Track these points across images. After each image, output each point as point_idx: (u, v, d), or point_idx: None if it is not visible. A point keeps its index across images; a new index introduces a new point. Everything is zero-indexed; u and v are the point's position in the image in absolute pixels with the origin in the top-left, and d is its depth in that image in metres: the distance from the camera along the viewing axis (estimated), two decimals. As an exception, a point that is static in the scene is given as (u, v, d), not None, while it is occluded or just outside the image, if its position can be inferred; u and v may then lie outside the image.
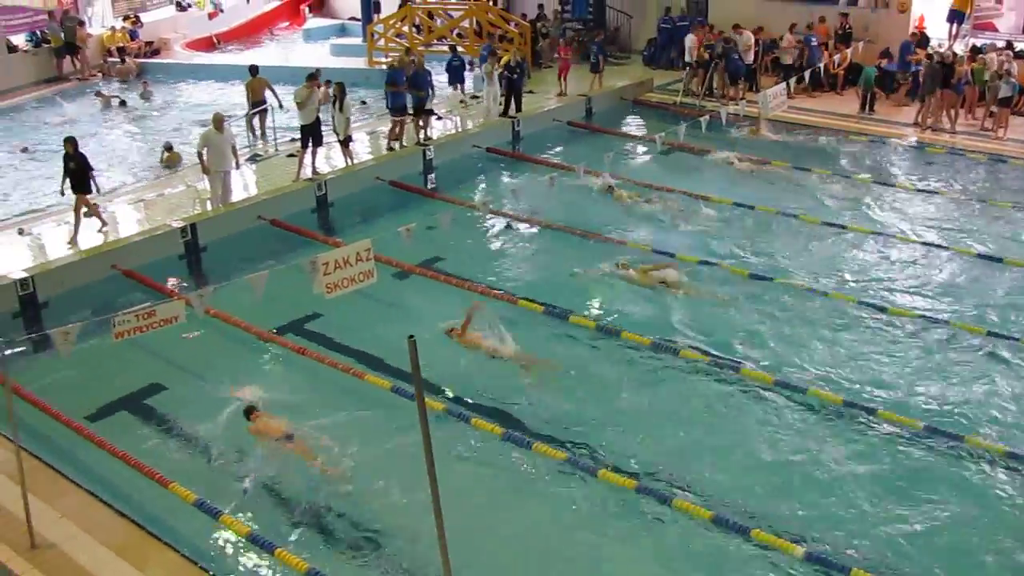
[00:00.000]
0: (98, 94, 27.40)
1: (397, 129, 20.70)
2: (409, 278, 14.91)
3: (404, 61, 21.37)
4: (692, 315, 13.48)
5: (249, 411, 10.89)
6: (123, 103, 26.78)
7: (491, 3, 30.91)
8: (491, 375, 12.02)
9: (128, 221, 16.99)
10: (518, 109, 22.63)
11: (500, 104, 22.71)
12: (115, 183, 19.95)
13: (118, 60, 30.24)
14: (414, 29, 29.10)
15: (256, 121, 22.23)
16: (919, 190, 19.04)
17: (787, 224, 17.14)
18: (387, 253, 14.31)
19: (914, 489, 9.95)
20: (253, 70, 22.39)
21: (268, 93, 22.11)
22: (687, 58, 25.63)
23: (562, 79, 24.63)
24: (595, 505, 9.69)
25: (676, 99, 25.19)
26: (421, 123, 20.96)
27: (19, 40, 29.43)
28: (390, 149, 20.55)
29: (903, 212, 17.90)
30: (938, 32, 25.98)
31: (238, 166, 17.86)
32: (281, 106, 22.07)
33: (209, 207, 17.13)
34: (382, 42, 29.00)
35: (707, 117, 18.31)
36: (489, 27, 28.26)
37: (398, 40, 28.70)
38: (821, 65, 24.44)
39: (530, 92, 24.57)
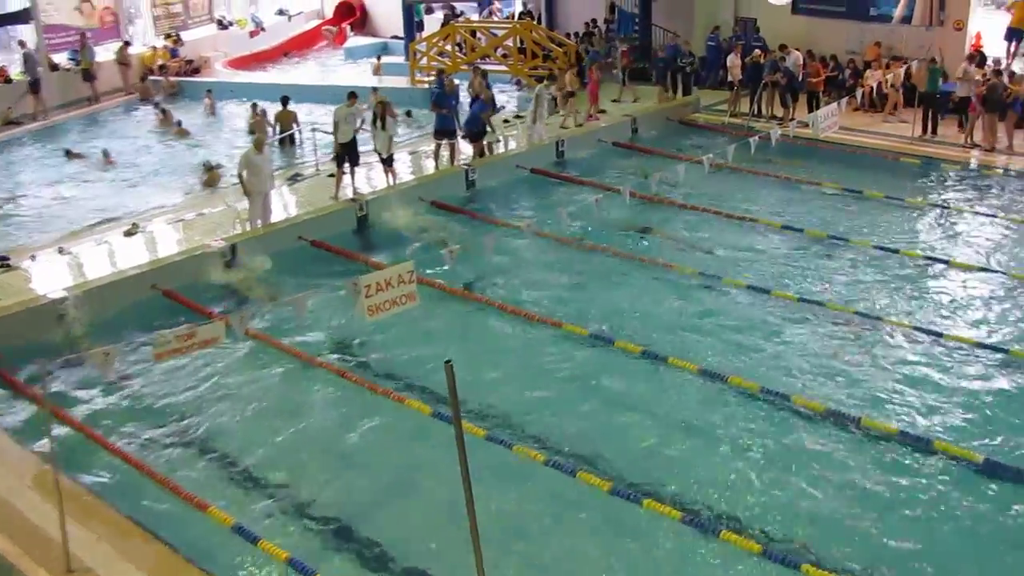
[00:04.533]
0: (156, 106, 28.11)
1: (446, 152, 20.89)
2: (450, 301, 14.93)
3: (452, 84, 21.72)
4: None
5: None
6: (164, 111, 27.49)
7: (536, 22, 31.03)
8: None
9: (168, 240, 17.13)
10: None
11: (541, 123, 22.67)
12: (157, 202, 20.19)
13: (160, 78, 30.77)
14: (457, 48, 29.22)
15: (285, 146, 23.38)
16: (976, 213, 18.82)
17: (835, 248, 17.07)
18: (429, 275, 14.44)
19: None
20: (284, 101, 23.74)
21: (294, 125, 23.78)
22: (730, 78, 25.63)
23: (591, 101, 24.65)
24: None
25: (724, 119, 25.12)
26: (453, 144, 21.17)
27: (61, 59, 29.98)
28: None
29: (959, 236, 17.76)
30: (995, 51, 25.78)
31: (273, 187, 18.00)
32: (299, 143, 23.28)
33: (249, 227, 17.19)
34: (424, 61, 29.13)
35: (756, 138, 18.06)
36: (533, 46, 28.29)
37: (440, 59, 28.80)
38: (874, 84, 24.21)
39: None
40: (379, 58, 32.59)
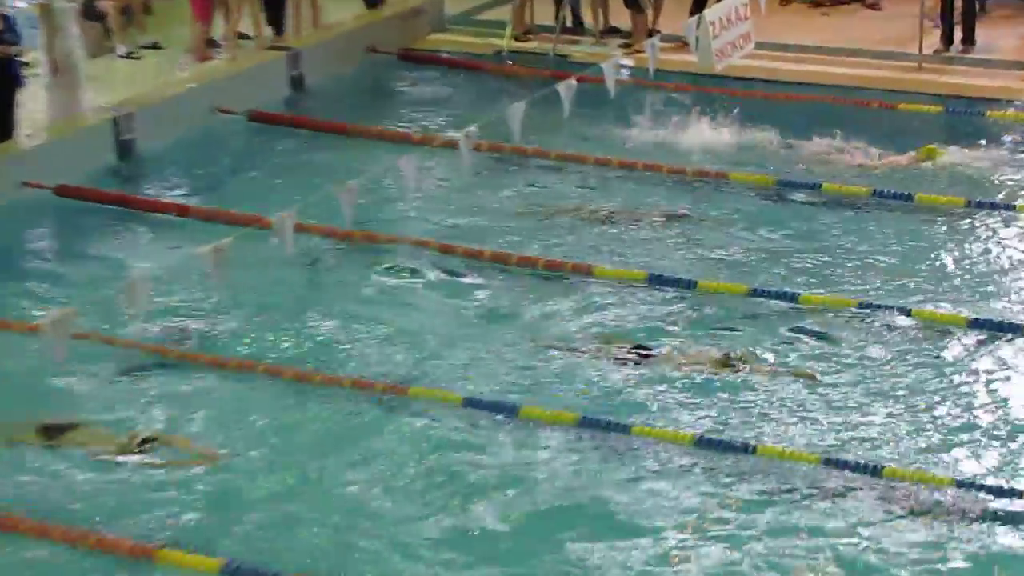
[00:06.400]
0: None
1: None
2: None
3: None
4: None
5: None
6: None
7: None
8: None
9: None
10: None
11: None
12: None
13: None
14: None
15: None
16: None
17: (768, 313, 17.45)
18: None
19: None
20: None
21: None
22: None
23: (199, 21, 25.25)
24: None
25: (502, 43, 25.62)
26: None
27: None
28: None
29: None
30: None
31: None
32: None
33: None
34: None
35: (573, 82, 17.82)
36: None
37: None
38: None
39: (154, 46, 25.27)
40: None
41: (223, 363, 16.89)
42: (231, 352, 17.23)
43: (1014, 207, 19.83)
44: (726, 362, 16.43)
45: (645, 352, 16.76)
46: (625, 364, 16.72)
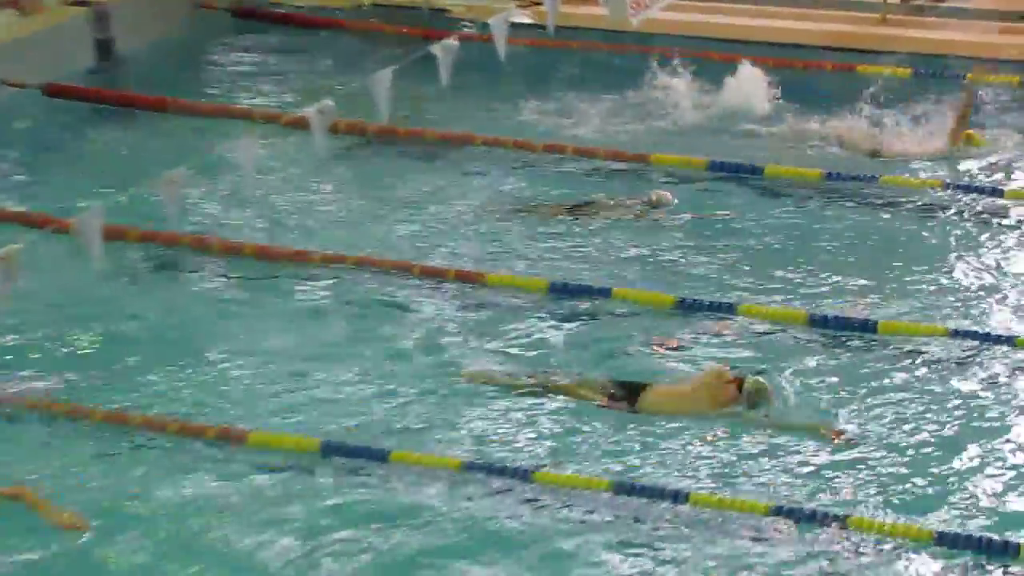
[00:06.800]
0: None
1: None
2: None
3: None
4: None
5: None
6: None
7: None
8: None
9: None
10: None
11: None
12: None
13: None
14: None
15: None
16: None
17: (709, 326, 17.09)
18: None
19: None
20: None
21: None
22: None
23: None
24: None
25: None
26: None
27: None
28: None
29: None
30: None
31: None
32: None
33: None
34: None
35: (455, 40, 17.58)
36: None
37: None
38: None
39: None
40: None
41: (10, 400, 16.37)
42: (26, 388, 16.64)
43: (1002, 192, 20.03)
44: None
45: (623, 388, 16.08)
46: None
